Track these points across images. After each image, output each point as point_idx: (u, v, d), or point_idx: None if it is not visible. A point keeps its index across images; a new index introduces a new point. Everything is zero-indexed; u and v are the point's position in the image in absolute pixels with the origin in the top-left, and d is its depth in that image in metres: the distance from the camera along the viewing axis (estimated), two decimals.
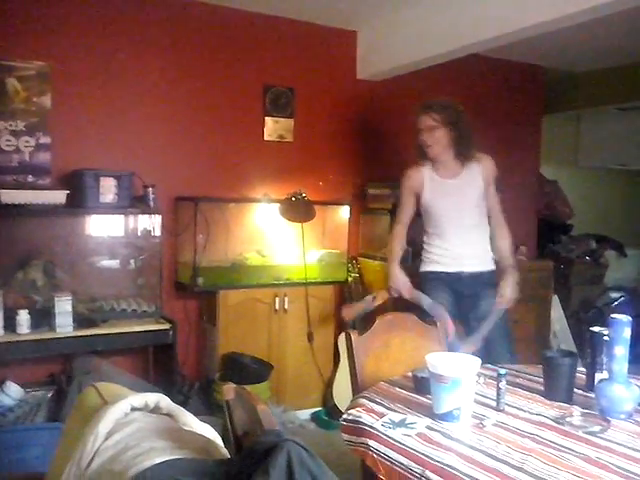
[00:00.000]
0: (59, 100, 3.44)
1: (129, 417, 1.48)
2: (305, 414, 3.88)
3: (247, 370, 3.52)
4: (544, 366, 1.91)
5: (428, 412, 1.70)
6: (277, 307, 3.82)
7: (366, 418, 1.67)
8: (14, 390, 3.12)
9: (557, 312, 4.82)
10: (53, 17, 3.42)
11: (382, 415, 1.69)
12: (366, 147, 4.38)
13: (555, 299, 4.77)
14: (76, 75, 3.49)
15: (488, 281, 3.05)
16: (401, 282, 3.05)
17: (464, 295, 3.04)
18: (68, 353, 3.26)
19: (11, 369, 3.25)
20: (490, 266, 3.09)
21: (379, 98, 4.40)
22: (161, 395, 1.56)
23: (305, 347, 3.93)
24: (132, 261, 3.58)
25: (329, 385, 3.92)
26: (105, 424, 1.42)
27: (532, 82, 5.16)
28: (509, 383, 1.85)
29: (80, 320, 3.12)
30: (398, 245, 3.15)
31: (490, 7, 3.30)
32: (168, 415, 1.56)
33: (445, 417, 1.64)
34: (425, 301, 2.92)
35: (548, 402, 1.82)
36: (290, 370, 3.87)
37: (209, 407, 3.48)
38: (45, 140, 3.40)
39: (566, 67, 5.17)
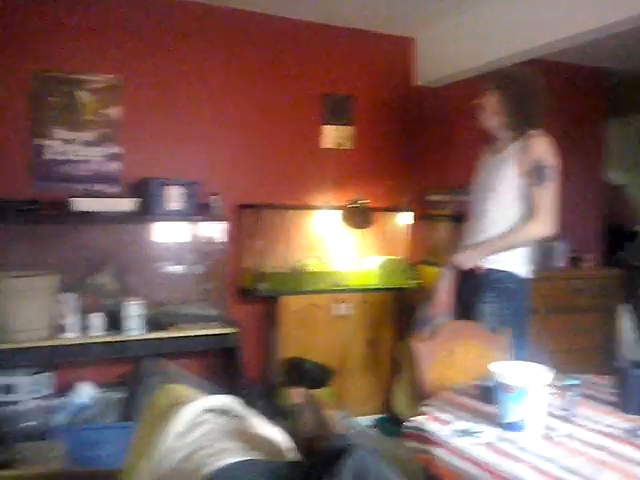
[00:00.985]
0: (128, 111, 3.59)
1: (201, 418, 1.52)
2: (366, 420, 3.88)
3: (309, 375, 3.55)
4: (618, 377, 1.85)
5: (494, 421, 1.68)
6: (337, 313, 3.85)
7: (431, 426, 1.67)
8: (88, 390, 3.26)
9: (626, 321, 4.67)
10: (121, 31, 3.58)
11: (447, 423, 1.69)
12: (426, 153, 4.37)
13: (624, 308, 4.62)
14: (144, 87, 3.64)
15: (486, 281, 2.58)
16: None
17: (464, 292, 2.67)
18: (137, 355, 3.38)
19: (85, 370, 3.40)
20: (493, 265, 2.58)
21: (438, 104, 4.38)
22: (231, 397, 1.61)
23: (365, 353, 3.95)
24: (197, 266, 3.69)
25: (390, 392, 3.92)
26: (178, 424, 1.47)
27: (597, 85, 5.03)
28: (579, 394, 1.82)
29: (149, 323, 3.23)
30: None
31: (553, 9, 3.24)
32: (238, 417, 1.59)
33: (512, 427, 1.62)
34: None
35: (620, 414, 1.78)
36: (350, 376, 3.89)
37: (271, 411, 3.53)
38: (114, 150, 3.56)
39: (632, 69, 5.01)
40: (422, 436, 1.66)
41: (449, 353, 2.19)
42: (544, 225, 2.49)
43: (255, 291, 3.73)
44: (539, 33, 3.35)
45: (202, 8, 3.74)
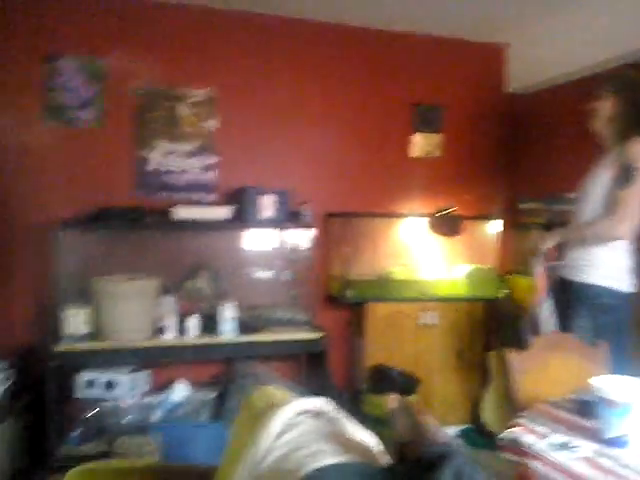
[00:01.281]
0: (223, 123, 3.74)
1: (297, 419, 1.57)
2: (450, 430, 3.83)
3: (394, 383, 3.55)
4: None
5: (593, 436, 1.64)
6: (423, 321, 3.82)
7: (528, 438, 1.64)
8: (183, 389, 3.40)
9: None
10: (217, 46, 3.73)
11: (544, 436, 1.65)
12: (518, 161, 4.28)
13: None
14: (238, 99, 3.78)
15: (582, 295, 2.52)
16: None
17: (561, 303, 2.60)
18: (229, 357, 3.50)
19: (180, 369, 3.56)
20: (591, 279, 2.52)
21: (530, 111, 4.27)
22: (326, 400, 1.65)
23: (452, 363, 3.90)
24: (287, 272, 3.79)
25: (476, 403, 3.85)
26: (276, 424, 1.52)
27: None
28: None
29: (241, 327, 3.34)
30: None
31: None
32: (332, 420, 1.63)
33: (613, 443, 1.57)
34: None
35: None
36: (436, 385, 3.85)
37: (357, 417, 3.55)
38: (211, 160, 3.72)
39: None
40: (518, 448, 1.63)
41: (544, 365, 2.14)
42: (619, 225, 2.41)
43: (342, 298, 3.78)
44: (636, 36, 3.21)
45: (293, 21, 3.85)
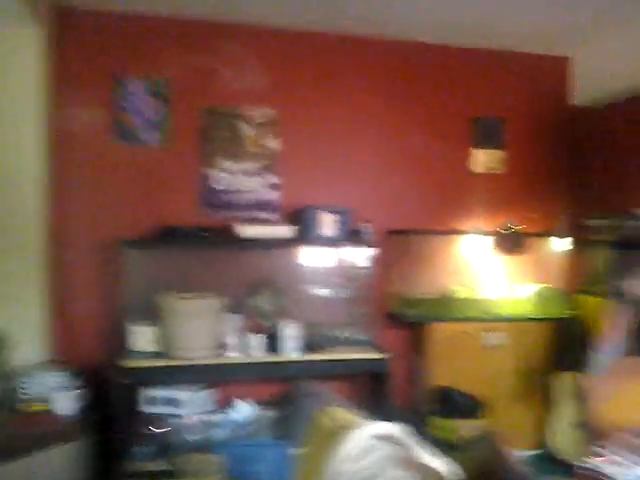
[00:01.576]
0: (285, 143, 3.78)
1: (370, 443, 1.54)
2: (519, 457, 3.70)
3: (458, 405, 3.48)
4: None
5: None
6: (487, 342, 3.74)
7: (608, 469, 1.58)
8: (245, 407, 3.41)
9: None
10: (279, 67, 3.80)
11: (629, 467, 1.58)
12: (584, 176, 4.15)
13: None
14: (299, 119, 3.83)
15: None
16: None
17: None
18: (291, 375, 3.50)
19: (242, 388, 3.58)
20: None
21: (598, 124, 4.15)
22: (399, 425, 1.61)
23: (517, 385, 3.79)
24: (348, 291, 3.77)
25: (543, 427, 3.72)
26: (349, 448, 1.49)
27: None
28: None
29: (303, 345, 3.33)
30: None
31: None
32: (405, 446, 1.60)
33: None
34: None
35: None
36: (500, 408, 3.73)
37: (424, 441, 3.48)
38: (274, 180, 3.76)
39: None
40: (598, 478, 1.57)
41: (623, 391, 2.05)
42: None
43: (403, 317, 3.73)
44: None
45: (352, 40, 3.88)
